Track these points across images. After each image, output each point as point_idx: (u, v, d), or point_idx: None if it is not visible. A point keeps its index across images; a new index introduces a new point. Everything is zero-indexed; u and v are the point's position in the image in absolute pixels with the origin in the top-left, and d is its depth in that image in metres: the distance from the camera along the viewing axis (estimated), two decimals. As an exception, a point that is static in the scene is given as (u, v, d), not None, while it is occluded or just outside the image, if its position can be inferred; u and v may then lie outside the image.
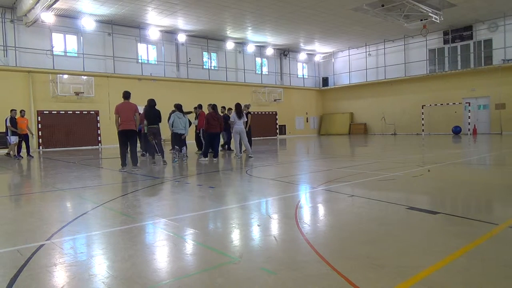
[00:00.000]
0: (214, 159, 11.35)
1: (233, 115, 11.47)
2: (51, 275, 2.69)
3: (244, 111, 12.28)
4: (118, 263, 2.89)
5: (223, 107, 15.09)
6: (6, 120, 14.00)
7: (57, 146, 19.58)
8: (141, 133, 11.68)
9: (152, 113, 10.44)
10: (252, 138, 13.48)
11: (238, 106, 11.55)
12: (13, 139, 13.90)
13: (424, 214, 4.13)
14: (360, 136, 27.23)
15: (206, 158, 10.99)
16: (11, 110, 14.08)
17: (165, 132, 13.32)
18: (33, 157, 14.89)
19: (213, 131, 11.24)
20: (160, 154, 10.58)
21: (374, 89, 29.48)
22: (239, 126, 11.38)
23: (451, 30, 24.73)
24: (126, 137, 9.09)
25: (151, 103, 10.47)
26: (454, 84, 24.98)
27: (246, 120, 11.88)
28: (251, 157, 11.45)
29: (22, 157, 14.44)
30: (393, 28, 23.92)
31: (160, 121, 10.63)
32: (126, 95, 9.14)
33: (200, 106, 13.88)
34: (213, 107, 11.42)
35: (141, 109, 10.70)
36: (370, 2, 18.68)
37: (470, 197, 5.34)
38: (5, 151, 15.36)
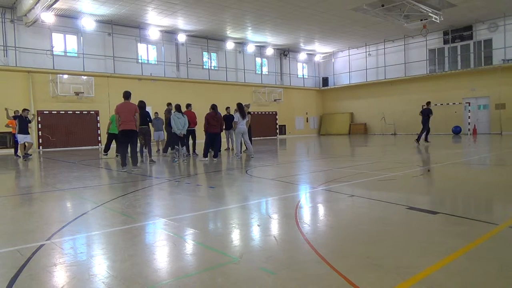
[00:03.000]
0: (214, 159, 11.38)
1: (237, 115, 11.39)
2: (51, 275, 2.69)
3: (246, 111, 12.21)
4: (118, 263, 2.89)
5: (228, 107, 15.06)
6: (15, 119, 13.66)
7: (57, 146, 19.58)
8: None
9: (142, 114, 10.80)
10: (252, 138, 13.49)
11: (240, 106, 11.44)
12: (20, 139, 13.37)
13: (424, 214, 4.13)
14: (360, 136, 27.23)
15: (206, 158, 11.03)
16: (23, 110, 13.69)
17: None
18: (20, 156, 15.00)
19: (213, 131, 11.29)
20: (149, 153, 11.23)
21: (374, 89, 29.47)
22: (242, 126, 11.36)
23: (451, 30, 24.73)
24: (126, 137, 9.13)
25: (141, 104, 10.85)
26: (454, 84, 24.98)
27: (247, 120, 11.88)
28: (253, 157, 11.52)
29: (20, 157, 14.58)
30: (393, 28, 23.92)
31: (150, 122, 11.30)
32: (127, 95, 9.17)
33: (187, 106, 13.61)
34: (213, 107, 11.46)
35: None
36: (370, 2, 18.68)
37: (470, 197, 5.34)
38: (6, 151, 15.30)
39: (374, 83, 29.41)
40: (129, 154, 9.79)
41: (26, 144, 13.51)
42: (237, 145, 11.57)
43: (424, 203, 4.96)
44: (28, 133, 13.50)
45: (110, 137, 13.22)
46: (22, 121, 13.37)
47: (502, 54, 22.91)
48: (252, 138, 13.74)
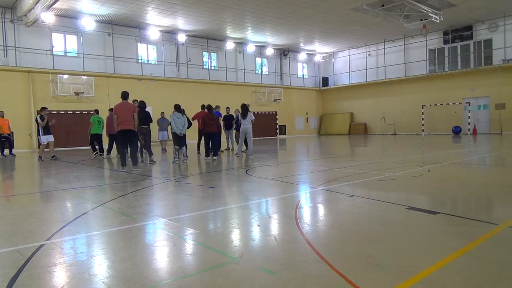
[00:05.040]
0: (214, 157, 11.52)
1: (238, 115, 12.17)
2: (51, 275, 2.69)
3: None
4: (118, 263, 2.89)
5: (228, 108, 15.21)
6: (36, 119, 13.10)
7: (57, 146, 19.52)
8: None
9: (142, 114, 10.97)
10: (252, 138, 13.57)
11: (243, 106, 12.02)
12: (43, 139, 12.80)
13: (424, 214, 4.13)
14: (360, 136, 27.23)
15: (208, 157, 11.39)
16: (42, 109, 13.18)
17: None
18: (15, 155, 15.16)
19: (210, 130, 11.60)
20: (148, 153, 11.21)
21: (374, 89, 29.48)
22: (244, 126, 11.92)
23: (451, 30, 24.74)
24: (125, 137, 9.14)
25: (142, 105, 11.04)
26: (454, 84, 24.99)
27: (253, 119, 12.21)
28: (250, 156, 11.71)
29: (6, 156, 14.65)
30: (393, 28, 23.92)
31: (151, 121, 11.35)
32: (125, 95, 9.22)
33: (203, 107, 13.68)
34: (209, 108, 11.78)
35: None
36: (370, 2, 18.68)
37: (470, 197, 5.33)
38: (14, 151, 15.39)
39: (374, 83, 29.41)
40: (129, 154, 9.81)
41: (50, 143, 13.01)
42: (239, 144, 12.17)
43: (424, 203, 4.96)
44: (51, 133, 13.06)
45: (92, 138, 13.32)
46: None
47: (502, 54, 22.91)
48: (253, 138, 13.83)
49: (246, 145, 13.07)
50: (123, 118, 8.94)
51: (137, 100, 12.61)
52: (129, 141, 9.30)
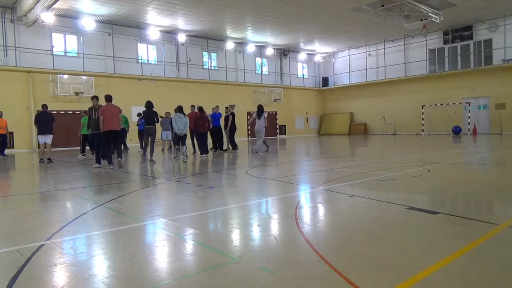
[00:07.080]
0: (202, 156, 12.02)
1: (253, 116, 13.10)
2: (51, 275, 2.69)
3: (229, 111, 14.12)
4: (118, 263, 2.89)
5: (226, 107, 15.27)
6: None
7: (57, 146, 19.55)
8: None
9: (149, 114, 11.22)
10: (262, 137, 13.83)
11: (258, 107, 12.87)
12: (40, 139, 12.22)
13: (424, 214, 4.13)
14: (360, 136, 27.23)
15: (206, 155, 12.08)
16: (42, 105, 12.69)
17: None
18: (7, 155, 15.13)
19: (201, 130, 12.26)
20: (150, 153, 11.38)
21: (374, 89, 29.48)
22: (257, 125, 12.75)
23: (451, 30, 24.74)
24: (112, 138, 9.66)
25: (149, 105, 11.21)
26: (454, 84, 24.99)
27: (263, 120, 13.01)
28: (255, 153, 12.66)
29: (7, 156, 14.71)
30: (393, 28, 23.92)
31: (157, 122, 11.41)
32: (109, 98, 9.67)
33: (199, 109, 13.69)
34: (200, 109, 12.42)
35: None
36: (370, 2, 18.68)
37: (470, 197, 5.33)
38: (15, 150, 15.32)
39: (374, 83, 29.41)
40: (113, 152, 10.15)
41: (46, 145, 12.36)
42: (257, 143, 13.04)
43: (424, 203, 4.96)
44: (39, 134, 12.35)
45: (83, 138, 13.38)
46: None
47: (502, 54, 22.91)
48: (252, 138, 14.19)
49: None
50: (111, 120, 9.43)
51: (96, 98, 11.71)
52: (115, 140, 9.84)
